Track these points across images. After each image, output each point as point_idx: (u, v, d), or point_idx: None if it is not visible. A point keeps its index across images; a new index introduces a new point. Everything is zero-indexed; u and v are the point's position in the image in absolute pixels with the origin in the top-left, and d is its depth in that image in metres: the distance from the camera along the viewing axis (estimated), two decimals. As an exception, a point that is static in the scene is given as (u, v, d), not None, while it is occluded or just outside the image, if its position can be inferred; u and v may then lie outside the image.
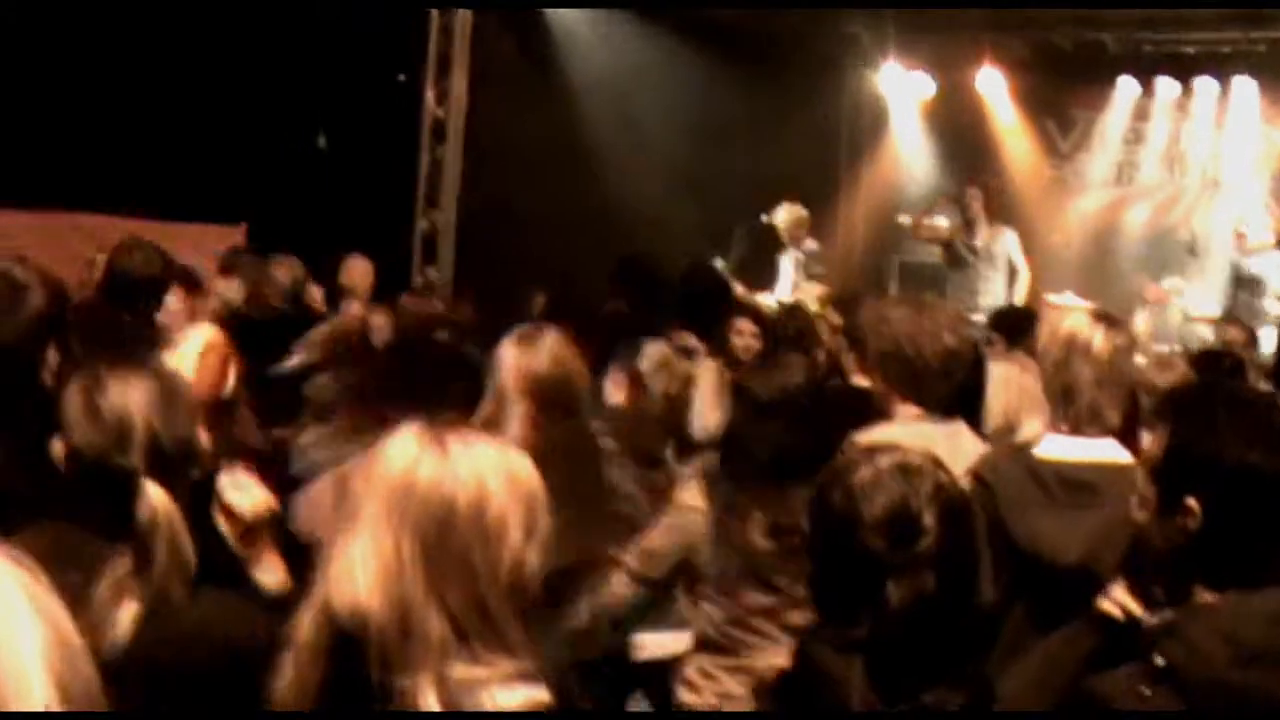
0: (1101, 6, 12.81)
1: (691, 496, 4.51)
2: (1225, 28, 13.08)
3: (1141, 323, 12.27)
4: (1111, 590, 3.30)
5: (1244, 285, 11.99)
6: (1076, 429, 3.95)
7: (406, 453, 2.16)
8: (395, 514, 2.11)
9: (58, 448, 2.94)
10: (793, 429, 4.13)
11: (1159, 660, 2.42)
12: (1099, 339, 3.98)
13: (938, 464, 2.53)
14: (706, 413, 7.27)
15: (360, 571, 2.09)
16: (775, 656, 3.49)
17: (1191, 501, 2.60)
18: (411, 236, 12.95)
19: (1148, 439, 2.85)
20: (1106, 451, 3.91)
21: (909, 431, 4.36)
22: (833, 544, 2.49)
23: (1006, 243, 12.26)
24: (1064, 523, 3.77)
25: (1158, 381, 5.20)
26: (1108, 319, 4.15)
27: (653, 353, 5.60)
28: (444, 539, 2.10)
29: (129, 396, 2.91)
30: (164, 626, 2.73)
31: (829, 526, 2.49)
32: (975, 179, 12.90)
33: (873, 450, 2.56)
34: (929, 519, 2.42)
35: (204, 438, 3.15)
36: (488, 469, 2.15)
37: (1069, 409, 3.96)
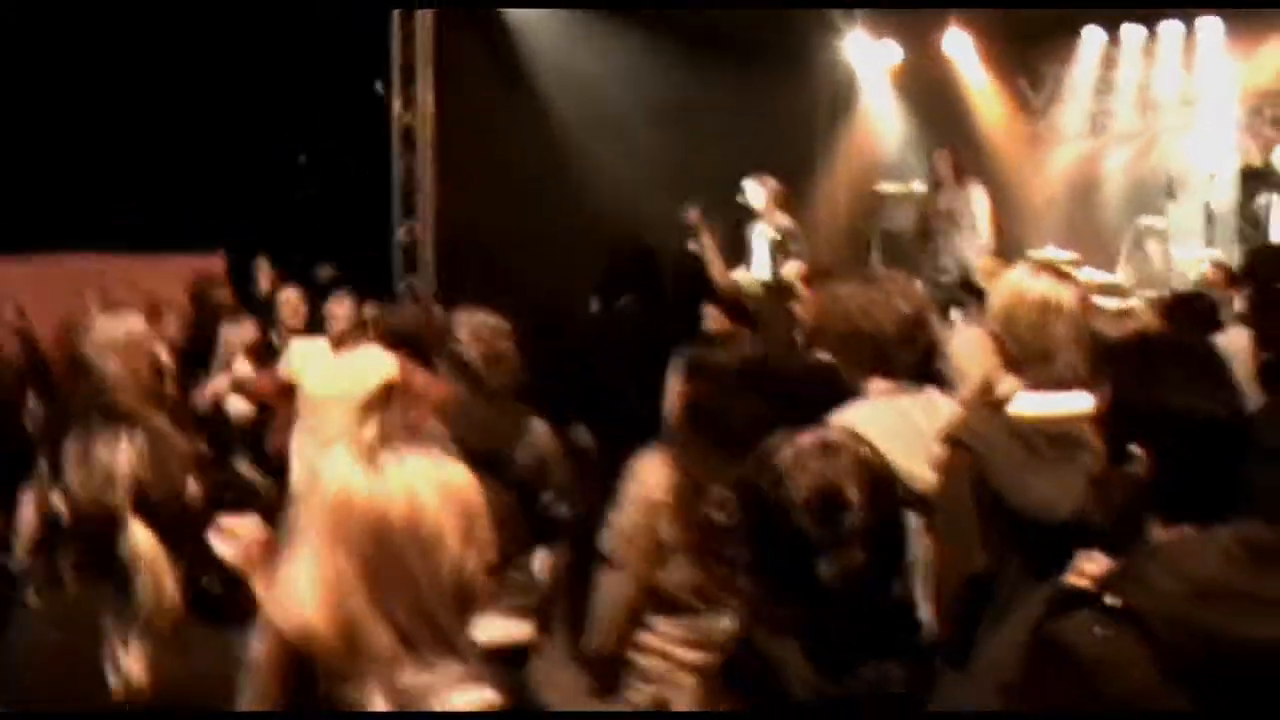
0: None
1: (650, 470, 4.41)
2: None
3: (1125, 270, 12.33)
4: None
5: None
6: (1056, 386, 3.94)
7: (340, 472, 2.22)
8: (333, 533, 2.17)
9: (60, 499, 3.02)
10: (764, 402, 4.09)
11: (1116, 600, 2.47)
12: (1068, 296, 3.99)
13: (858, 439, 2.57)
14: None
15: (304, 591, 2.14)
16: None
17: (1137, 449, 2.66)
18: (391, 246, 13.00)
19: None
20: (1081, 403, 3.92)
21: (882, 406, 4.40)
22: (761, 526, 2.52)
23: (974, 202, 12.30)
24: (1052, 478, 3.77)
25: (1109, 334, 5.17)
26: (1062, 274, 4.17)
27: None
28: (382, 553, 2.16)
29: (116, 448, 3.00)
30: (161, 667, 2.81)
31: (756, 509, 2.53)
32: (941, 143, 12.95)
33: (795, 431, 2.60)
34: (853, 494, 2.45)
35: (194, 489, 3.22)
36: (419, 481, 2.21)
37: (1048, 368, 3.96)
